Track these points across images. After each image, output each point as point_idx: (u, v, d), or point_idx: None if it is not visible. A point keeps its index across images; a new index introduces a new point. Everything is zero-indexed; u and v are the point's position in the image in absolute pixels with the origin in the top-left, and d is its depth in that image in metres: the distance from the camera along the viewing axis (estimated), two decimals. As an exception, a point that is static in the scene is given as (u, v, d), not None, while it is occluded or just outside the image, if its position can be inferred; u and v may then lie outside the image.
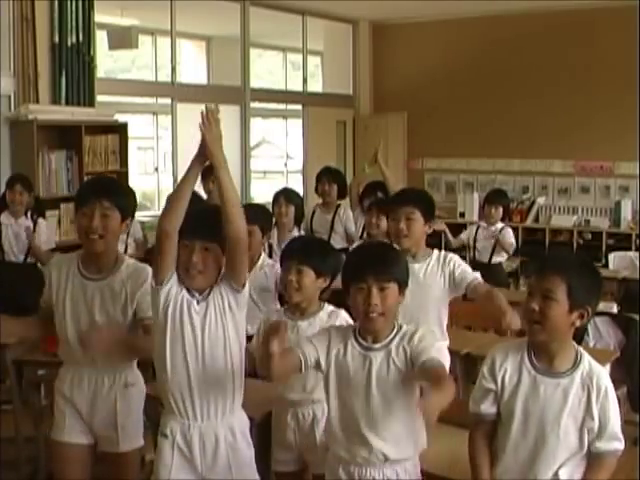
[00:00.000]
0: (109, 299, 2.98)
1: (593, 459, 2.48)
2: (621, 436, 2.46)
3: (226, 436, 2.72)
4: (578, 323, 2.42)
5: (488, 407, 2.53)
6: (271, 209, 5.75)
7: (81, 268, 3.01)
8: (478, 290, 3.59)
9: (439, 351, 3.54)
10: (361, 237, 5.96)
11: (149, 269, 2.93)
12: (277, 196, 5.78)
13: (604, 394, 2.40)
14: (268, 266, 4.17)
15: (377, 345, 2.56)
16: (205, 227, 2.67)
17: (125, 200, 3.03)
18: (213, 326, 2.69)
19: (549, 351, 2.45)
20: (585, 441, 2.44)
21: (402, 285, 2.57)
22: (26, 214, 6.11)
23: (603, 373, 2.46)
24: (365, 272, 2.51)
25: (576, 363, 2.44)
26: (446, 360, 3.69)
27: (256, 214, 4.12)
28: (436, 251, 3.73)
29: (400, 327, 2.59)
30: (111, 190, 3.01)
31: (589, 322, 4.98)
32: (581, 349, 2.48)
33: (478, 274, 3.69)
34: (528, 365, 2.47)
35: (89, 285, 2.99)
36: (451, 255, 3.73)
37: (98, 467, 3.22)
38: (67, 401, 3.06)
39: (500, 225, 6.50)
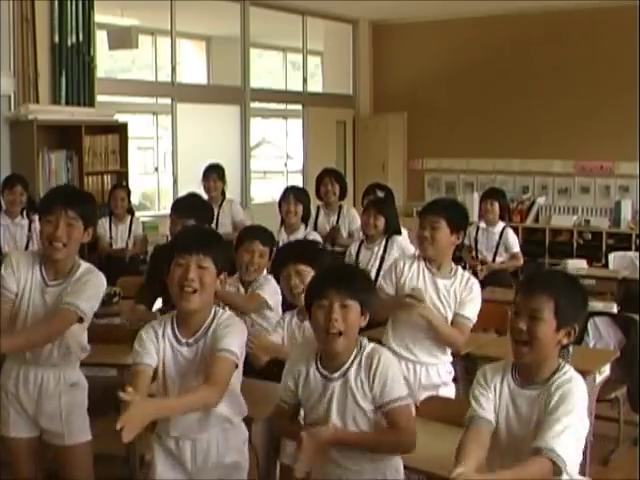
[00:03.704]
0: None
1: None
2: (561, 452, 2.24)
3: (218, 441, 2.72)
4: (565, 341, 2.40)
5: (485, 413, 2.46)
6: (278, 207, 5.71)
7: (43, 271, 3.07)
8: (455, 325, 3.67)
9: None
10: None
11: (98, 273, 3.08)
12: (285, 194, 5.70)
13: (560, 396, 2.32)
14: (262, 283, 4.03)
15: (335, 374, 2.56)
16: (201, 244, 2.64)
17: (88, 209, 3.09)
18: (200, 362, 2.64)
19: (530, 366, 2.43)
20: None
21: (364, 306, 2.56)
22: (22, 213, 6.11)
23: (572, 382, 2.37)
24: (327, 288, 2.52)
25: (553, 375, 2.40)
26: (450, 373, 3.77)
27: (270, 238, 4.07)
28: (460, 270, 3.73)
29: (360, 348, 2.57)
30: (76, 200, 3.07)
31: (588, 322, 4.99)
32: (566, 365, 2.44)
33: (475, 316, 3.69)
34: (510, 379, 2.46)
35: (48, 291, 3.05)
36: (473, 282, 3.71)
37: (53, 463, 3.30)
38: (13, 397, 3.12)
39: (500, 225, 6.45)
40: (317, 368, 2.60)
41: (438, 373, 3.71)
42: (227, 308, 2.79)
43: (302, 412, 2.70)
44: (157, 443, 2.75)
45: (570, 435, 2.29)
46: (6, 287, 3.03)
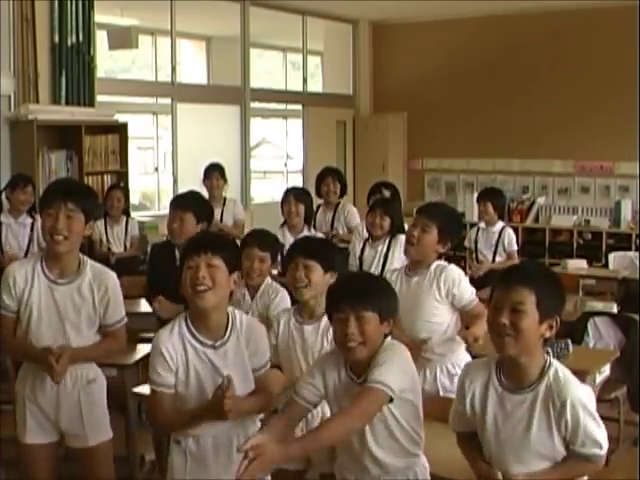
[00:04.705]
0: (79, 303, 3.03)
1: (567, 458, 2.40)
2: (602, 441, 2.37)
3: (239, 438, 2.68)
4: (548, 334, 2.37)
5: (462, 427, 2.58)
6: (280, 208, 5.68)
7: (46, 271, 3.04)
8: (470, 313, 3.65)
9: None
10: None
11: (112, 274, 3.11)
12: (286, 195, 5.64)
13: (571, 406, 2.32)
14: (269, 292, 3.94)
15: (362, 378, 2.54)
16: (208, 244, 2.64)
17: (89, 202, 3.08)
18: (232, 365, 2.64)
19: (517, 366, 2.39)
20: (562, 452, 2.40)
21: (384, 315, 2.53)
22: (25, 212, 6.14)
23: (567, 385, 2.36)
24: (342, 301, 2.52)
25: (541, 376, 2.38)
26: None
27: (269, 242, 4.05)
28: (435, 263, 3.69)
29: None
30: (76, 192, 3.07)
31: (588, 322, 4.99)
32: (553, 360, 2.42)
33: (473, 292, 3.67)
34: (495, 382, 2.44)
35: (57, 289, 3.03)
36: (449, 269, 3.67)
37: (70, 465, 3.29)
38: (30, 402, 3.10)
39: (500, 225, 6.45)
40: (346, 373, 2.58)
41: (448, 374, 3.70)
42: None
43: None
44: (175, 448, 2.71)
45: (601, 426, 2.37)
46: (4, 307, 3.02)
